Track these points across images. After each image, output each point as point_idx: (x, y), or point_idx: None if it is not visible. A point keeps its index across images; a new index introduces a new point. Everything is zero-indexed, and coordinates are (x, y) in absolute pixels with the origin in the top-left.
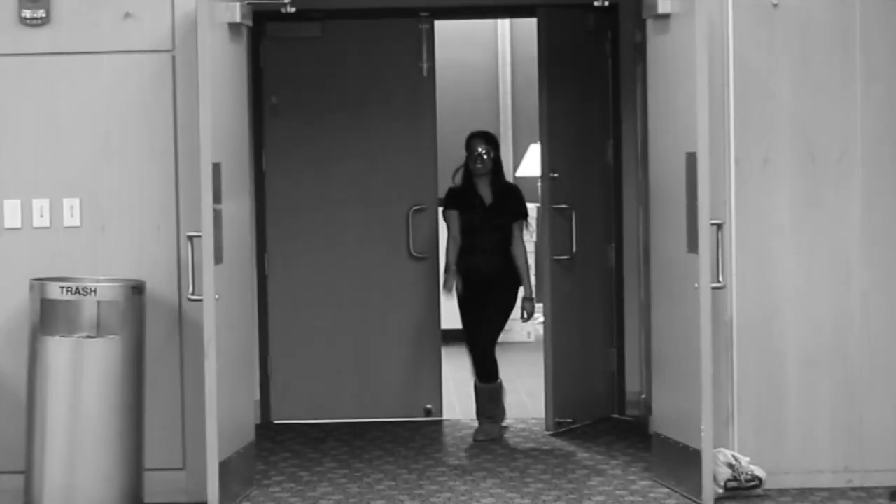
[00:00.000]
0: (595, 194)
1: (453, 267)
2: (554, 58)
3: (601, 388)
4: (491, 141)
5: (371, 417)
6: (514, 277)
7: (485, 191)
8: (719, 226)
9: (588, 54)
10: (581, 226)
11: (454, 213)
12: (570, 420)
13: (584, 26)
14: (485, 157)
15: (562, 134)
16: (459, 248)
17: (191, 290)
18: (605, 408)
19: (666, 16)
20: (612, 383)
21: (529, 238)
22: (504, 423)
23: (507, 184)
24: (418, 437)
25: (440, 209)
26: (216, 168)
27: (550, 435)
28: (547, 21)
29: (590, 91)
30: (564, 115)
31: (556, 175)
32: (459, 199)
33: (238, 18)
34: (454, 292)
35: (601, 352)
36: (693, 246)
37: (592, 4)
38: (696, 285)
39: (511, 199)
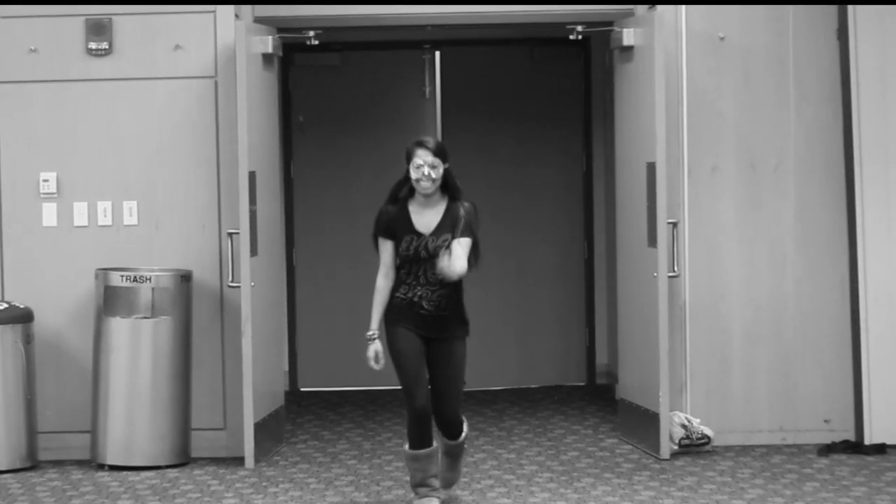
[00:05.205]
0: (569, 197)
1: (377, 329)
2: (460, 85)
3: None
4: (440, 153)
5: (382, 385)
6: (464, 316)
7: (430, 212)
8: (674, 224)
9: (534, 82)
10: (557, 224)
11: (389, 243)
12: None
13: (531, 59)
14: (429, 171)
15: (462, 147)
16: (396, 280)
17: (230, 278)
18: (577, 377)
19: (630, 47)
20: (584, 356)
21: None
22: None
23: (460, 202)
24: None
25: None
26: (252, 175)
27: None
28: (448, 58)
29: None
30: (471, 133)
31: None
32: (395, 224)
33: (270, 49)
34: (378, 363)
35: (575, 329)
36: (652, 241)
37: (538, 40)
38: (655, 274)
39: (461, 220)
